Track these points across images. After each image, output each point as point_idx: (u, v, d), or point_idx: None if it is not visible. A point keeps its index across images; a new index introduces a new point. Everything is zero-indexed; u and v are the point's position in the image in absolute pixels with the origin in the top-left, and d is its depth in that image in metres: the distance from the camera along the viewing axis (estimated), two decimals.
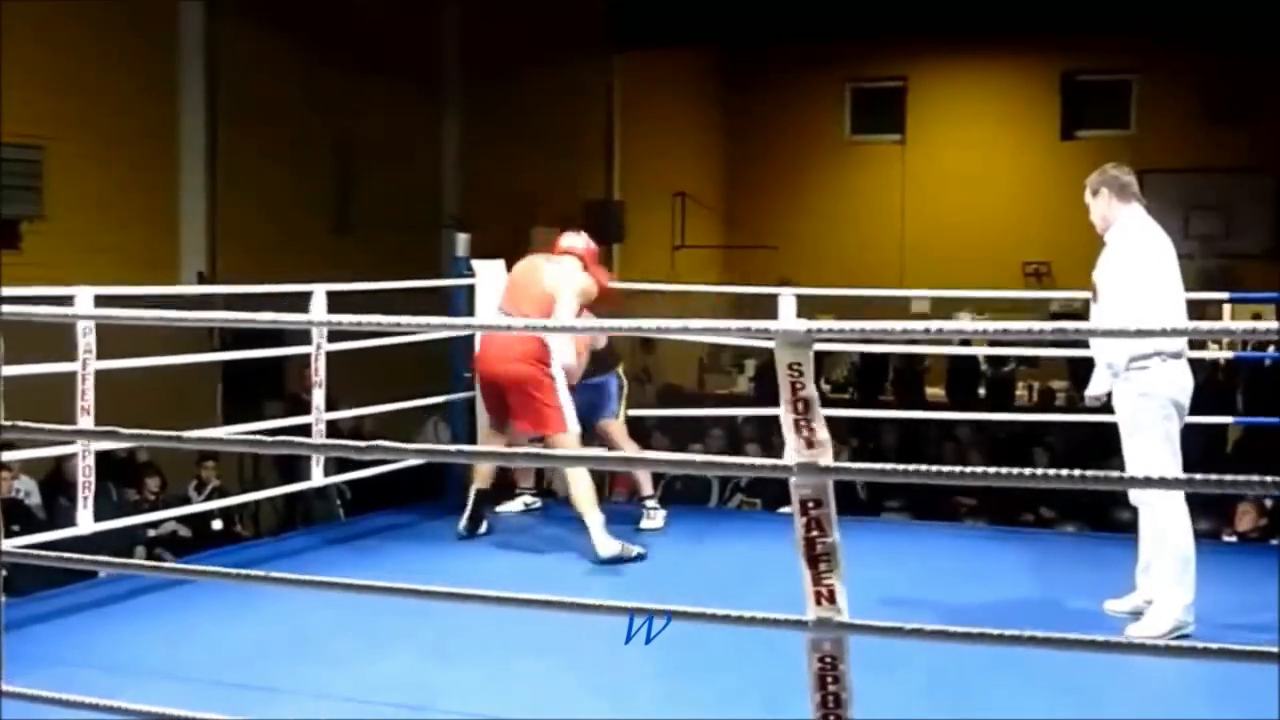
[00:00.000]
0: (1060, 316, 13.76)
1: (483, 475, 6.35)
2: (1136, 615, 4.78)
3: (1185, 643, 2.41)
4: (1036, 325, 2.26)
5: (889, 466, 2.40)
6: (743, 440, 11.31)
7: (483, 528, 6.29)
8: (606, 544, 5.77)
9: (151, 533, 8.40)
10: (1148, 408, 4.70)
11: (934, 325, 2.36)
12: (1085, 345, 11.26)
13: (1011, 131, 18.76)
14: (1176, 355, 4.73)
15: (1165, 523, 4.68)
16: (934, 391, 16.03)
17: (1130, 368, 4.70)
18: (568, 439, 5.96)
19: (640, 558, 5.80)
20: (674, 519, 6.62)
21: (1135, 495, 4.83)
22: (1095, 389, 4.94)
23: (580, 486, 5.80)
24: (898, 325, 2.36)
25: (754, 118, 19.23)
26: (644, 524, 6.48)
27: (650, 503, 6.59)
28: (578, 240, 6.47)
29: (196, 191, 11.39)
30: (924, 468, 2.36)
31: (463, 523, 6.23)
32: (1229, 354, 10.48)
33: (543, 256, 6.42)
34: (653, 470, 6.17)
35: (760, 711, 3.84)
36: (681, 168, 18.47)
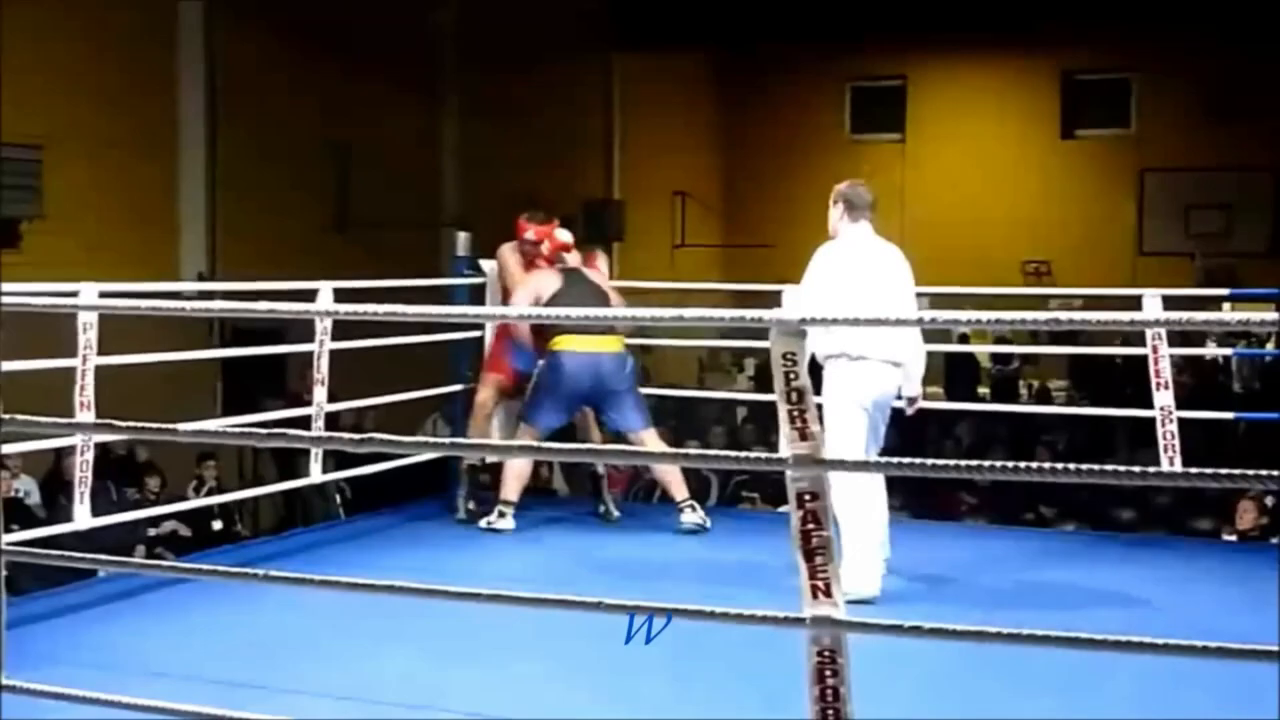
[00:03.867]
0: None
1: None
2: None
3: (1186, 642, 2.40)
4: (1030, 315, 2.26)
5: (884, 460, 2.40)
6: (744, 442, 11.29)
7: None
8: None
9: (152, 532, 8.40)
10: (836, 406, 5.02)
11: (928, 315, 2.36)
12: (1082, 341, 11.26)
13: (1011, 130, 18.74)
14: (861, 358, 5.03)
15: (842, 509, 4.77)
16: (933, 390, 16.02)
17: (825, 363, 5.06)
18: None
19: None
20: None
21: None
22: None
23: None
24: (891, 314, 2.36)
25: (753, 117, 19.20)
26: (684, 520, 6.39)
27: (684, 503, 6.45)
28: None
29: (196, 191, 11.40)
30: (917, 460, 2.37)
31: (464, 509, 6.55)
32: (1226, 350, 10.48)
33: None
34: (648, 463, 6.38)
35: (762, 710, 3.84)
36: (681, 167, 18.46)
